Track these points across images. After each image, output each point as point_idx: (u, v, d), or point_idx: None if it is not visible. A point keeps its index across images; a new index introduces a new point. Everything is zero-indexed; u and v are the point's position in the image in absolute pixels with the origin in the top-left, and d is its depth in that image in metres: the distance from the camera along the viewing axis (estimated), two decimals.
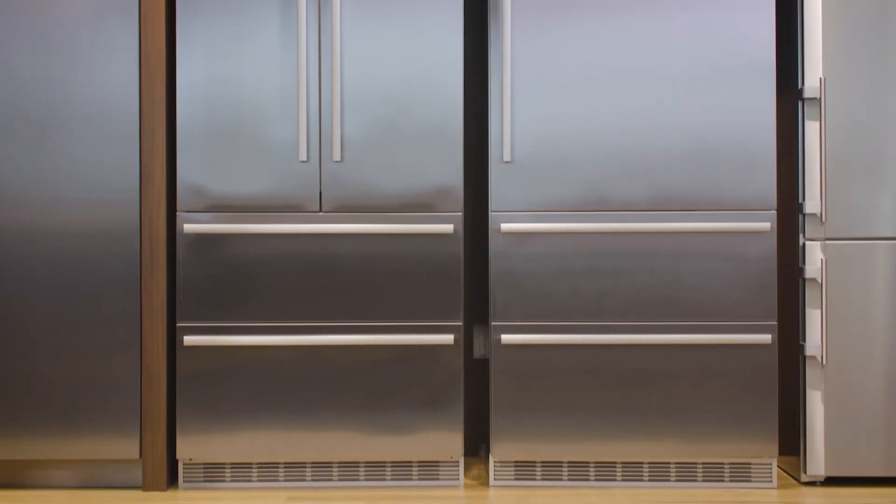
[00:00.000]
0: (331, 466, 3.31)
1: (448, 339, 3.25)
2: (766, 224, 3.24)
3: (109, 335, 3.25)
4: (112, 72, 3.24)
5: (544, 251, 3.27)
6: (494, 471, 3.32)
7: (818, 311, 3.29)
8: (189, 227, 3.24)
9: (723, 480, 3.30)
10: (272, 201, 3.26)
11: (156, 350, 3.26)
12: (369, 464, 3.31)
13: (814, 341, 3.29)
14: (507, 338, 3.25)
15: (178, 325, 3.26)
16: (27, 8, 3.23)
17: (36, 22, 3.23)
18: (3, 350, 3.24)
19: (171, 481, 3.40)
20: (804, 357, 3.31)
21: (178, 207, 3.26)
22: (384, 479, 3.31)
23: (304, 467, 3.31)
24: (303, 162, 3.26)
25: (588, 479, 3.31)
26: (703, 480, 3.31)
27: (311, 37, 3.26)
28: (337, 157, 3.24)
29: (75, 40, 3.23)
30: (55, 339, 3.25)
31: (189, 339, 3.24)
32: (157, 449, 3.27)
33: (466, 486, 3.34)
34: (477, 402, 3.87)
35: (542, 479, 3.32)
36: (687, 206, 3.27)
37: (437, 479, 3.31)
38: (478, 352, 3.83)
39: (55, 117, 3.24)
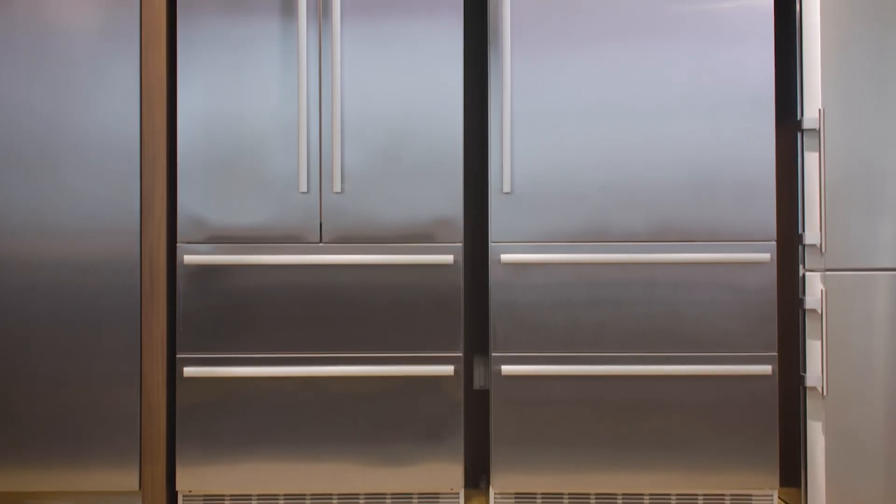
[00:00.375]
0: (330, 498, 3.30)
1: (448, 370, 3.25)
2: (765, 255, 3.24)
3: (109, 366, 3.25)
4: (113, 103, 3.25)
5: (544, 281, 3.27)
6: (495, 502, 3.31)
7: (818, 342, 3.29)
8: (189, 258, 3.24)
9: None
10: (272, 232, 3.27)
11: (156, 381, 3.26)
12: (369, 495, 3.30)
13: (814, 372, 3.28)
14: (507, 369, 3.25)
15: (178, 356, 3.26)
16: (28, 39, 3.24)
17: (37, 53, 3.24)
18: (3, 381, 3.24)
19: None
20: (804, 388, 3.31)
21: (179, 238, 3.26)
22: None
23: (304, 499, 3.30)
24: (303, 193, 3.27)
25: None
26: None
27: (312, 68, 3.28)
28: (337, 188, 3.25)
29: (77, 72, 3.25)
30: (55, 369, 3.25)
31: (189, 371, 3.24)
32: (156, 481, 3.26)
33: None
34: (477, 433, 3.86)
35: None
36: (686, 237, 3.27)
37: None
38: (478, 382, 3.83)
39: (56, 148, 3.25)
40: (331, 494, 3.29)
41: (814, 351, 3.29)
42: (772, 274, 3.26)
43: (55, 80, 3.25)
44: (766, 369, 3.24)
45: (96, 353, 3.25)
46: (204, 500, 3.29)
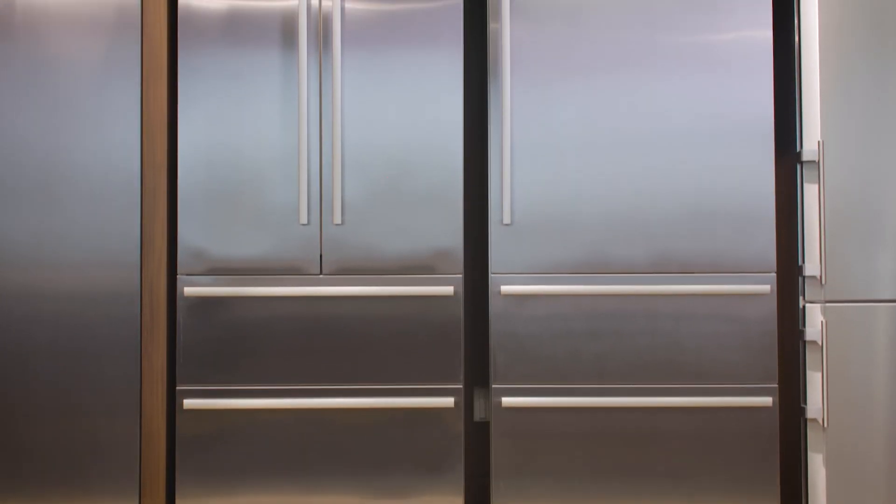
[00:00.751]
0: None
1: (448, 401, 3.24)
2: (765, 287, 3.24)
3: (109, 398, 3.24)
4: (114, 136, 3.26)
5: (545, 313, 3.27)
6: None
7: (819, 374, 3.28)
8: (189, 290, 3.24)
9: None
10: (273, 264, 3.27)
11: (155, 413, 3.25)
12: None
13: (815, 404, 3.28)
14: (507, 400, 3.24)
15: (177, 388, 3.25)
16: (30, 72, 3.25)
17: (39, 86, 3.25)
18: (3, 412, 3.23)
19: None
20: (805, 419, 3.30)
21: (179, 270, 3.26)
22: None
23: None
24: (303, 225, 3.27)
25: None
26: None
27: (312, 100, 3.29)
28: (338, 219, 3.25)
29: (78, 104, 3.25)
30: (55, 401, 3.24)
31: (189, 403, 3.23)
32: None
33: None
34: (477, 465, 3.85)
35: None
36: (687, 269, 3.27)
37: None
38: (478, 414, 3.82)
39: (57, 180, 3.25)
40: None
41: (814, 382, 3.29)
42: (772, 305, 3.26)
43: (56, 112, 3.25)
44: (767, 401, 3.23)
45: (96, 385, 3.24)
46: None
